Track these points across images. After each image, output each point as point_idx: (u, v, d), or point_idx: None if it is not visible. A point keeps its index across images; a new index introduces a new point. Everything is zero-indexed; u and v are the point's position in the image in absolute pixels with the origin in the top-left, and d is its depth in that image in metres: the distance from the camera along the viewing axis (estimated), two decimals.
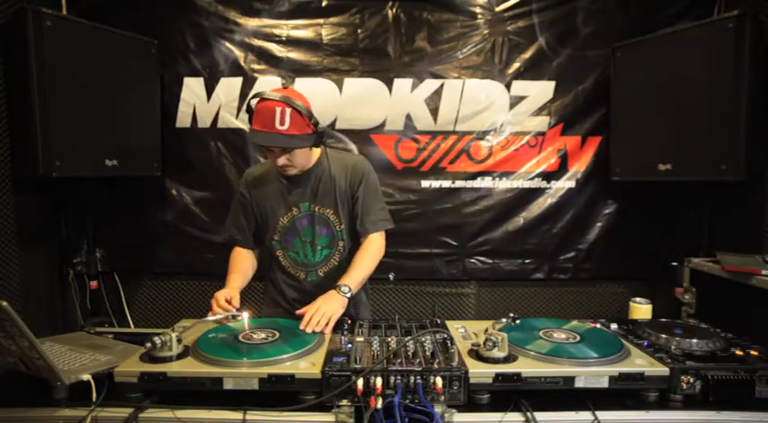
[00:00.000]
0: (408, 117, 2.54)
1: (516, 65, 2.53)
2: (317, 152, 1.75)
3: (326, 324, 1.46)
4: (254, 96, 1.57)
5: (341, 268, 1.76)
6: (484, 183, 2.60)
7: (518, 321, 1.46)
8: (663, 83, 2.17)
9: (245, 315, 1.48)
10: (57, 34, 1.98)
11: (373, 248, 1.72)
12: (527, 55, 2.53)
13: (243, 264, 1.80)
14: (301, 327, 1.43)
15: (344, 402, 1.15)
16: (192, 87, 2.51)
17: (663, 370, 1.21)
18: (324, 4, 2.52)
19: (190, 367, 1.22)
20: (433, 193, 2.60)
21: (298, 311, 1.52)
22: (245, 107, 1.62)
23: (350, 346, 1.32)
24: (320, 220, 1.75)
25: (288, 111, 1.50)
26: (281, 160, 1.60)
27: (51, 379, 1.19)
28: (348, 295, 1.57)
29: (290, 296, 1.83)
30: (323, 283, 1.77)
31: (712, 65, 2.00)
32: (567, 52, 2.52)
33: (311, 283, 1.79)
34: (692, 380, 1.20)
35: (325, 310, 1.48)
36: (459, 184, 2.60)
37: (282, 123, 1.50)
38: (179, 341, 1.27)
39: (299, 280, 1.81)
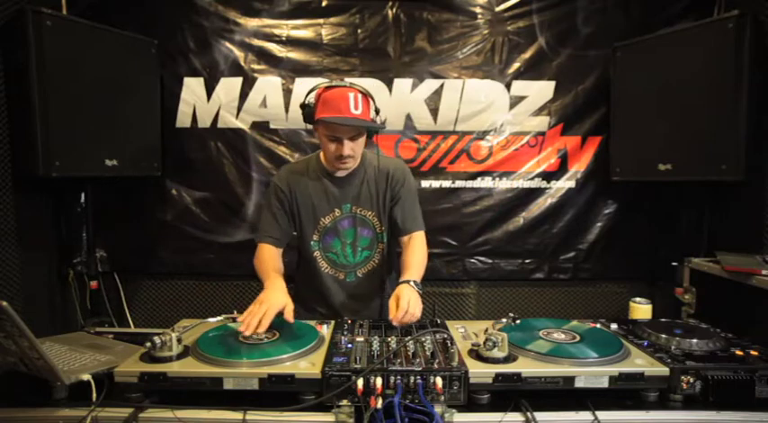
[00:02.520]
0: (408, 117, 2.54)
1: (516, 65, 2.53)
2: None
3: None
4: (312, 89, 1.59)
5: (380, 269, 1.79)
6: (484, 183, 2.60)
7: (518, 321, 1.46)
8: (663, 83, 2.17)
9: None
10: (57, 34, 1.98)
11: (421, 246, 1.72)
12: (527, 55, 2.53)
13: (279, 263, 1.70)
14: (397, 321, 1.41)
15: (344, 402, 1.15)
16: (192, 87, 2.51)
17: (663, 370, 1.21)
18: (324, 4, 2.52)
19: (190, 367, 1.21)
20: (433, 193, 2.60)
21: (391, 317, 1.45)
22: (305, 100, 1.60)
23: (350, 346, 1.32)
24: (361, 222, 1.75)
25: (359, 96, 1.54)
26: (347, 149, 1.58)
27: (51, 379, 1.19)
28: (420, 290, 1.55)
29: (336, 300, 1.79)
30: (362, 283, 1.78)
31: (712, 65, 2.00)
32: (567, 52, 2.52)
33: (350, 284, 1.79)
34: (692, 380, 1.20)
35: (415, 304, 1.45)
36: (459, 184, 2.60)
37: (356, 108, 1.52)
38: (179, 341, 1.27)
39: (338, 281, 1.79)
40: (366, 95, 1.57)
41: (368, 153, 1.78)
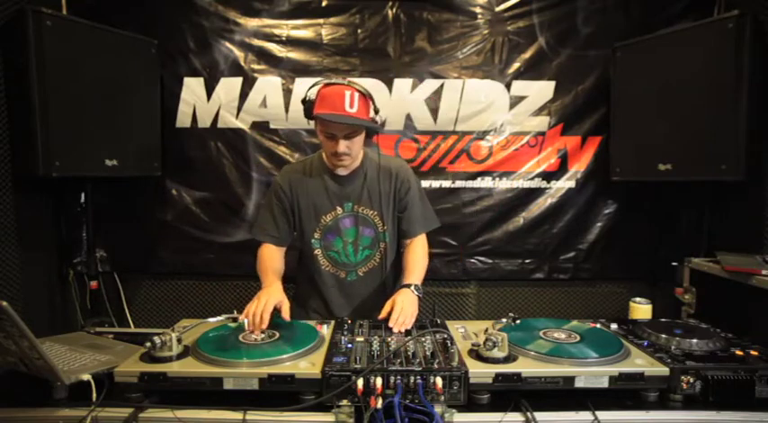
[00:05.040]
0: (408, 117, 2.54)
1: (516, 65, 2.53)
2: (361, 153, 1.76)
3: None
4: (313, 85, 1.62)
5: (381, 268, 1.80)
6: (484, 183, 2.60)
7: (518, 321, 1.46)
8: (663, 83, 2.17)
9: None
10: (57, 34, 1.98)
11: (421, 249, 1.79)
12: (527, 55, 2.52)
13: (278, 263, 1.75)
14: (390, 324, 1.46)
15: (344, 402, 1.15)
16: (192, 87, 2.51)
17: (663, 370, 1.21)
18: (324, 4, 2.52)
19: (190, 367, 1.22)
20: (433, 193, 2.59)
21: (380, 317, 1.52)
22: (306, 96, 1.63)
23: (350, 346, 1.32)
24: (363, 221, 1.77)
25: (356, 94, 1.56)
26: (342, 147, 1.60)
27: (51, 379, 1.19)
28: (420, 294, 1.62)
29: (335, 299, 1.80)
30: (363, 282, 1.80)
31: (712, 65, 2.00)
32: (567, 52, 2.52)
33: (350, 283, 1.80)
34: (692, 380, 1.20)
35: (409, 310, 1.51)
36: (459, 184, 2.59)
37: (352, 106, 1.55)
38: (179, 341, 1.27)
39: (339, 280, 1.80)
40: (364, 95, 1.59)
41: (369, 152, 1.79)
